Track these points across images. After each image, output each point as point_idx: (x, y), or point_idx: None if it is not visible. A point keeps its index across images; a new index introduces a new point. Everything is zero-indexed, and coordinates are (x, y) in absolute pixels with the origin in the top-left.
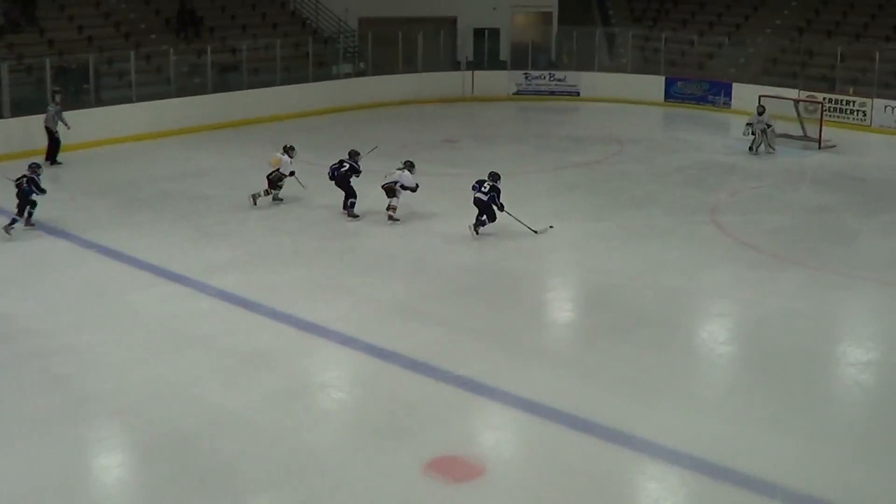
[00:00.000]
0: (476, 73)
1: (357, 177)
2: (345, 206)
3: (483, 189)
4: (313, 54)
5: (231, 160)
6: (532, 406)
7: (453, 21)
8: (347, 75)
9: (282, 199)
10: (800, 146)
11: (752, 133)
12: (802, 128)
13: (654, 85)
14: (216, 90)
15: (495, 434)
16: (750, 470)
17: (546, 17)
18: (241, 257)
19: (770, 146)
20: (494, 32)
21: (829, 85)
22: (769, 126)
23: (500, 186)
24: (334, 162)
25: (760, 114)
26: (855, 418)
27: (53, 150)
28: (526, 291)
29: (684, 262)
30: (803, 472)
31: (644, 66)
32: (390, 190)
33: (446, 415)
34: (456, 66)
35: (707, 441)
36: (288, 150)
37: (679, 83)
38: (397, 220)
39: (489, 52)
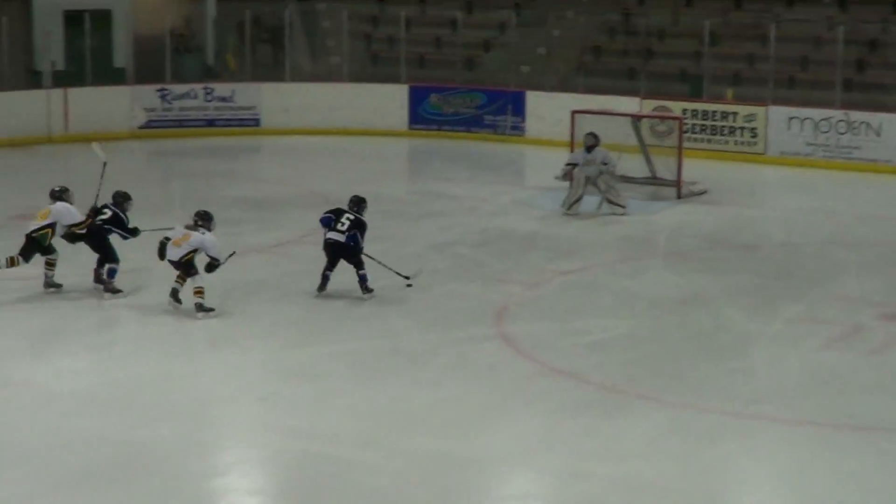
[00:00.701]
0: (70, 91)
1: (126, 236)
2: (99, 276)
3: (340, 225)
4: None
5: None
6: None
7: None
8: None
9: (59, 285)
10: (647, 195)
11: (568, 180)
12: (649, 163)
13: (390, 101)
14: None
15: None
16: None
17: None
18: None
19: (614, 202)
20: (102, 17)
21: (693, 87)
22: (605, 165)
23: (365, 219)
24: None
25: (590, 149)
26: None
27: None
28: (179, 481)
29: (455, 408)
30: None
31: (373, 71)
32: (187, 265)
33: None
34: (34, 79)
35: None
36: (60, 195)
37: (433, 96)
38: (211, 310)
39: (95, 54)
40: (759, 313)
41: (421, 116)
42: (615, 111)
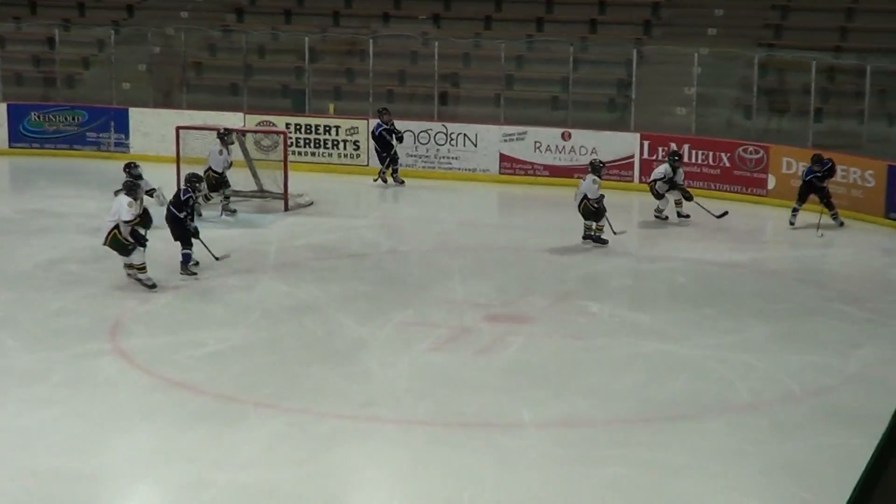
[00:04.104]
0: None
1: None
2: None
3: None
4: None
5: None
6: None
7: None
8: None
9: None
10: (254, 208)
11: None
12: (255, 177)
13: None
14: None
15: None
16: None
17: None
18: None
19: None
20: None
21: (295, 102)
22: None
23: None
24: None
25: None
26: None
27: None
28: None
29: (73, 426)
30: None
31: None
32: None
33: None
34: None
35: None
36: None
37: (33, 114)
38: None
39: None
40: (370, 319)
41: (21, 135)
42: (219, 126)
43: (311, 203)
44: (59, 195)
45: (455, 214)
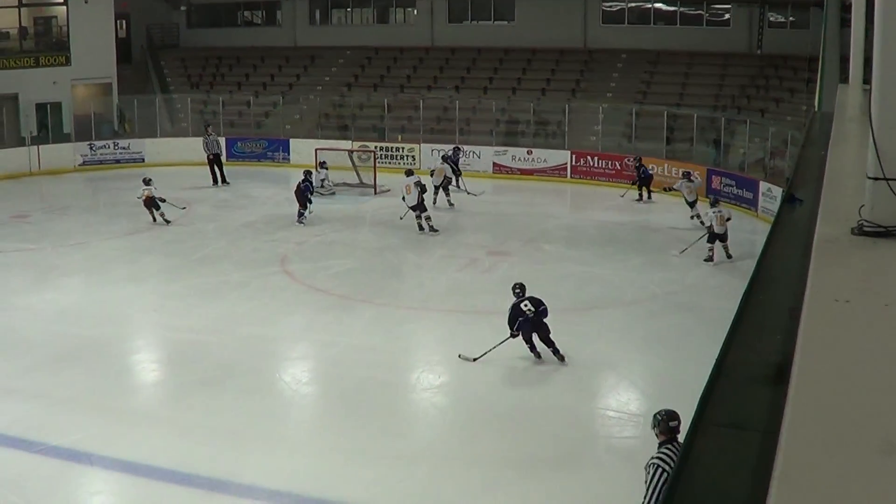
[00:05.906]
0: (41, 147)
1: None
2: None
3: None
4: None
5: None
6: (132, 467)
7: (14, 97)
8: None
9: None
10: (357, 193)
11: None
12: (358, 175)
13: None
14: None
15: (98, 499)
16: (344, 498)
17: (106, 87)
18: None
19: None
20: (56, 106)
21: (379, 134)
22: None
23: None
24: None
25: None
26: (434, 438)
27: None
28: (115, 356)
29: (261, 312)
30: (392, 495)
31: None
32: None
33: (51, 487)
34: (21, 141)
35: (303, 477)
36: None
37: (239, 143)
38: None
39: (53, 126)
40: (422, 253)
41: (233, 153)
42: (339, 148)
43: (389, 190)
44: (252, 187)
45: (469, 195)
